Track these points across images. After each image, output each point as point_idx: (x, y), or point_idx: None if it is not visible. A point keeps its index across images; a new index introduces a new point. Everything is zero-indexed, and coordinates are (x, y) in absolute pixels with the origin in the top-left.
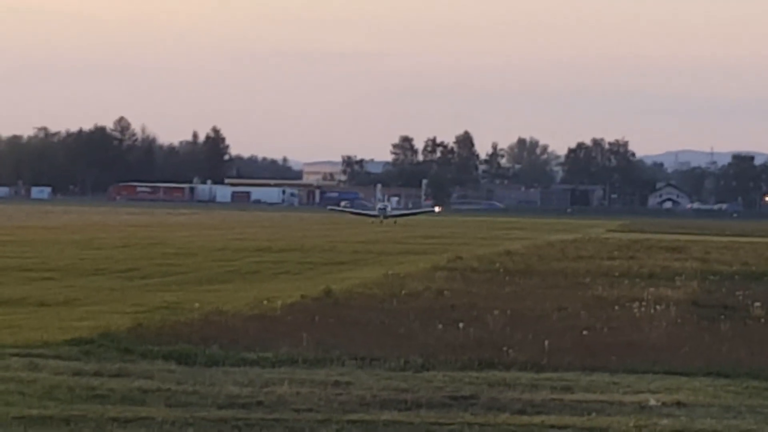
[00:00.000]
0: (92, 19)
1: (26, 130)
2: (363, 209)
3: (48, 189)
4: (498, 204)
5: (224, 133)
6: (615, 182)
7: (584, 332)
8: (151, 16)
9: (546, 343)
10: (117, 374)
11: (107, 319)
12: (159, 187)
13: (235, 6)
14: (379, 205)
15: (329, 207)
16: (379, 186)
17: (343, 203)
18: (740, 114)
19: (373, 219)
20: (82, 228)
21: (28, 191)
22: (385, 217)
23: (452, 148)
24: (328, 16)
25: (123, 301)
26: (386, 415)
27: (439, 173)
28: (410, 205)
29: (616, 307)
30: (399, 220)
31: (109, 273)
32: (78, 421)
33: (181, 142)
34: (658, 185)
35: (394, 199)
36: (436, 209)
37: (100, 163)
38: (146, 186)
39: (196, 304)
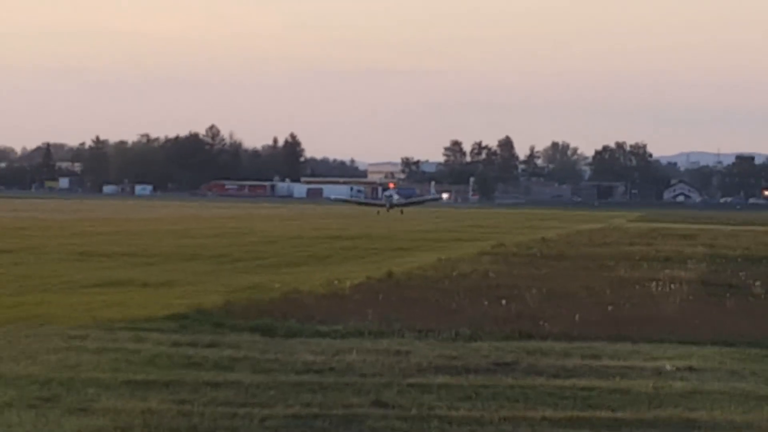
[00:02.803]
0: (188, 40)
1: (131, 137)
2: (372, 199)
3: (149, 187)
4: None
5: (300, 138)
6: (635, 179)
7: (609, 307)
8: (238, 38)
9: (576, 316)
10: (210, 345)
11: (201, 297)
12: (244, 185)
13: (309, 27)
14: (386, 193)
15: (333, 197)
16: (432, 183)
17: (386, 194)
18: (742, 120)
19: (379, 208)
20: (179, 220)
21: (133, 189)
22: (391, 205)
23: (495, 151)
24: (390, 39)
25: (215, 283)
26: (440, 379)
27: (484, 172)
28: (459, 199)
29: (637, 286)
30: (405, 209)
31: (202, 258)
32: (176, 385)
33: (263, 146)
34: (672, 182)
35: (445, 194)
36: (444, 196)
37: (194, 164)
38: (233, 184)
39: (277, 285)
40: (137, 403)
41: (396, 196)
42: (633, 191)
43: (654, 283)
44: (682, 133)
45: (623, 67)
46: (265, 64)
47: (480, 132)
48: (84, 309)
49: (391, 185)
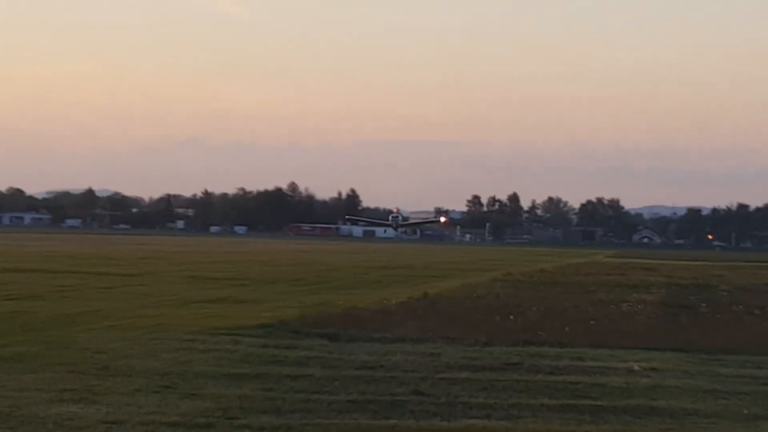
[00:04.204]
0: (274, 114)
1: (231, 189)
2: (379, 219)
3: (245, 228)
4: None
5: (358, 191)
6: (611, 225)
7: (591, 322)
8: (312, 113)
9: (567, 328)
10: (289, 347)
11: (282, 311)
12: (316, 227)
13: (367, 111)
14: (392, 216)
15: (347, 216)
16: (458, 227)
17: (393, 216)
18: (693, 181)
19: (386, 228)
20: (265, 253)
21: (232, 229)
22: (398, 225)
23: (505, 203)
24: (429, 118)
25: (292, 300)
26: (463, 375)
27: (497, 219)
28: (478, 239)
29: (612, 306)
30: (412, 227)
31: (283, 282)
32: (263, 377)
33: (330, 198)
34: (639, 227)
35: (468, 236)
36: (441, 220)
37: (278, 210)
38: (308, 226)
39: (340, 302)
40: (234, 390)
41: (401, 218)
42: (609, 234)
43: (625, 304)
44: (646, 191)
45: (603, 138)
46: (332, 134)
47: (494, 188)
48: (193, 319)
49: (396, 210)
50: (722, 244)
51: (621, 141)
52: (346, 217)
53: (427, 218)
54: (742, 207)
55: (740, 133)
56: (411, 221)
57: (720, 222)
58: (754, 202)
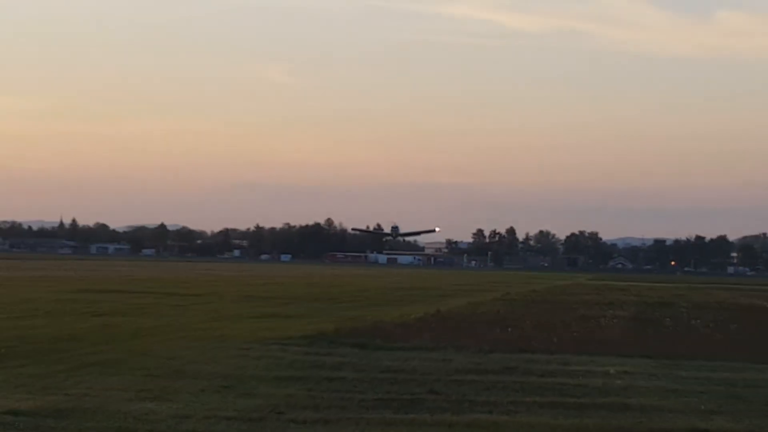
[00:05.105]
0: (313, 162)
1: (278, 224)
2: (380, 231)
3: (289, 256)
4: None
5: (383, 225)
6: (591, 253)
7: (575, 333)
8: (342, 165)
9: (554, 339)
10: (326, 354)
11: (321, 325)
12: (348, 255)
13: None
14: (393, 227)
15: (352, 228)
16: (465, 255)
17: (393, 227)
18: (658, 216)
19: (386, 237)
20: (306, 276)
21: (278, 257)
22: (396, 235)
23: (504, 235)
24: (440, 163)
25: (329, 315)
26: (470, 377)
27: (497, 248)
28: (481, 265)
29: (592, 320)
30: (409, 237)
31: (321, 300)
32: (306, 379)
33: (360, 231)
34: (614, 255)
35: (473, 262)
36: (437, 229)
37: (317, 241)
38: (342, 254)
39: (368, 317)
40: (282, 390)
41: (399, 229)
42: (589, 261)
43: (602, 319)
44: (620, 225)
45: (585, 181)
46: (361, 178)
47: (495, 223)
48: (248, 331)
49: (393, 222)
50: (689, 269)
51: (599, 184)
52: (351, 229)
53: (421, 230)
54: (699, 238)
55: (699, 176)
56: (408, 231)
57: (681, 251)
58: (709, 234)
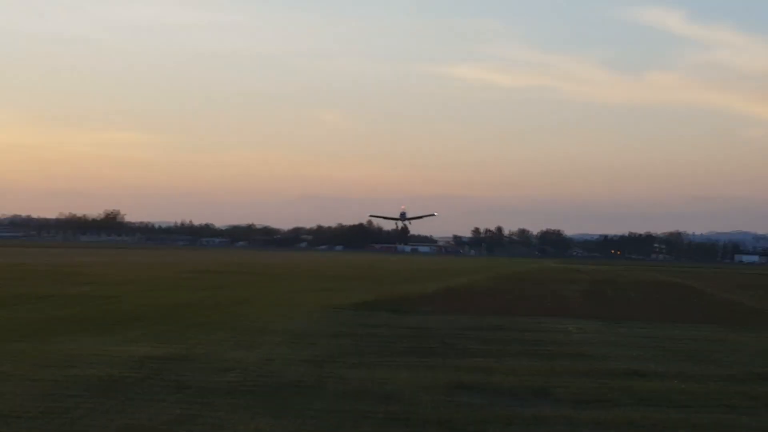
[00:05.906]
0: (352, 180)
1: (333, 223)
2: (391, 216)
3: (341, 246)
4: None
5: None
6: (556, 245)
7: (546, 302)
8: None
9: (531, 306)
10: (368, 317)
11: (364, 296)
12: (383, 246)
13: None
14: (401, 211)
15: (370, 215)
16: (466, 246)
17: (401, 212)
18: (602, 218)
19: (396, 221)
20: (353, 261)
21: (333, 248)
22: (404, 219)
23: (494, 231)
24: (454, 180)
25: (369, 290)
26: (470, 333)
27: (489, 241)
28: (472, 252)
29: (557, 293)
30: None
31: (363, 279)
32: (353, 334)
33: (392, 229)
34: (573, 247)
35: (472, 251)
36: (435, 214)
37: (361, 236)
38: (378, 246)
39: (398, 291)
40: (336, 342)
41: (406, 214)
42: (555, 250)
43: (565, 291)
44: (577, 224)
45: (551, 194)
46: (390, 191)
47: (487, 222)
48: (313, 300)
49: (402, 207)
50: (628, 256)
51: (563, 196)
52: (369, 215)
53: (425, 214)
54: (632, 233)
55: (631, 190)
56: (415, 216)
57: (620, 243)
58: (639, 231)
